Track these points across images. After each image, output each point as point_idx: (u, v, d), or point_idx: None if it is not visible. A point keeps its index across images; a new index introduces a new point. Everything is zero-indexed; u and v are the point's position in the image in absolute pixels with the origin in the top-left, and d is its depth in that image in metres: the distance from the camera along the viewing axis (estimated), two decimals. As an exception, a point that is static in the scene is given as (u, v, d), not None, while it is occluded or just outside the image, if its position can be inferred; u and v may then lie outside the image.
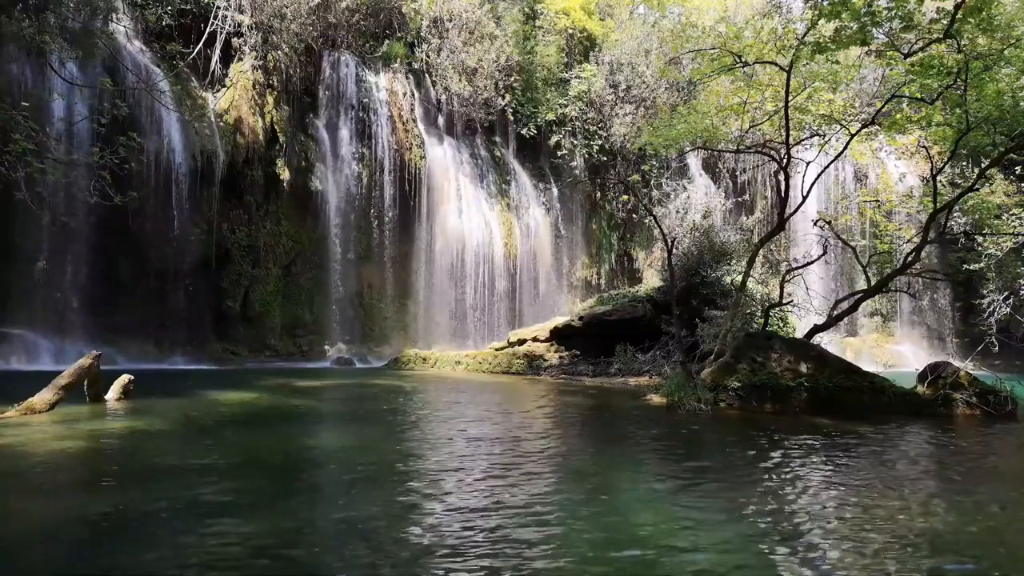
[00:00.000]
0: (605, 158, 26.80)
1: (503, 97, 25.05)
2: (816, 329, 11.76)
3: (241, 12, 19.99)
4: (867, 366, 13.64)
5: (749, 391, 9.67)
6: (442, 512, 4.19)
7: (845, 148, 13.06)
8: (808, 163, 12.98)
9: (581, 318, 17.97)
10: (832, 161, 13.68)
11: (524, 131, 25.86)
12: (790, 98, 11.46)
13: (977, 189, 13.68)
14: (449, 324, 23.08)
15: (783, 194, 12.94)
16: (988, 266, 18.82)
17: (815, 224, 14.15)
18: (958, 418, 9.18)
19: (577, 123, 26.29)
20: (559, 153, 26.42)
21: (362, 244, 22.26)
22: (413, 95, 23.85)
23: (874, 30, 10.46)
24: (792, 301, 13.66)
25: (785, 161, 12.26)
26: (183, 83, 19.09)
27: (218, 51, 19.83)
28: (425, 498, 4.56)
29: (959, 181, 20.68)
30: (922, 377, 10.27)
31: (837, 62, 11.52)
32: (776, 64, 11.86)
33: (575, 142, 26.31)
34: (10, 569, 3.21)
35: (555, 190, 26.68)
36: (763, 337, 11.03)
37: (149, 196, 16.96)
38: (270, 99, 20.76)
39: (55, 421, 7.18)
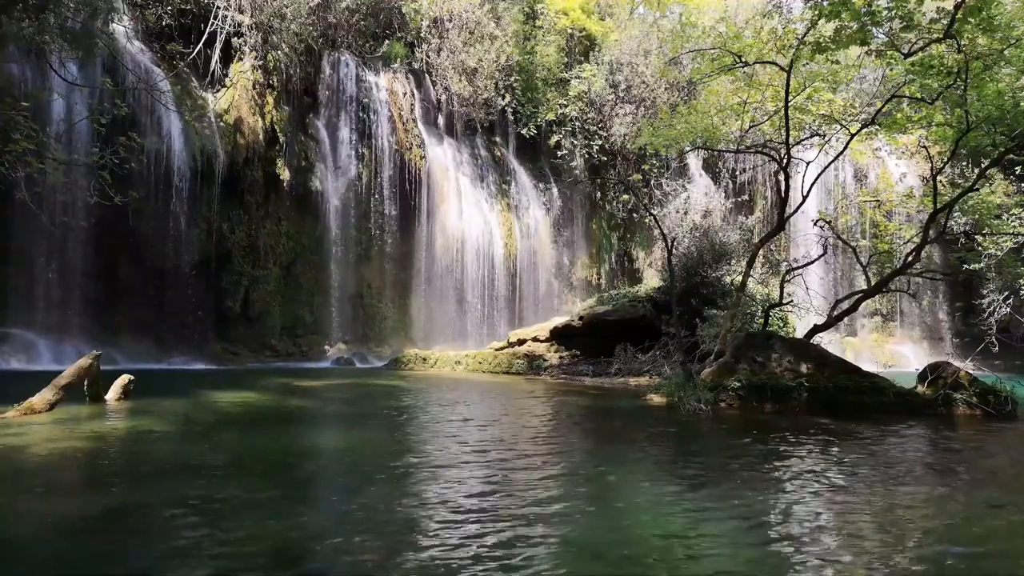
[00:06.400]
0: (605, 158, 26.80)
1: (503, 97, 25.05)
2: (816, 329, 11.77)
3: (241, 12, 19.98)
4: (867, 366, 13.64)
5: (749, 391, 9.67)
6: (443, 512, 4.18)
7: (845, 148, 13.07)
8: (808, 163, 12.98)
9: (581, 318, 17.98)
10: (832, 161, 13.69)
11: (524, 131, 25.86)
12: (790, 98, 11.47)
13: (977, 189, 13.67)
14: (449, 324, 23.08)
15: (783, 194, 12.94)
16: (988, 266, 18.80)
17: (815, 224, 14.16)
18: (958, 418, 9.18)
19: (577, 123, 26.29)
20: (559, 153, 26.42)
21: (362, 244, 22.25)
22: (413, 95, 23.85)
23: (874, 30, 10.46)
24: (792, 301, 13.66)
25: (785, 161, 12.27)
26: (183, 83, 19.09)
27: (218, 51, 19.82)
28: (425, 499, 4.55)
29: (959, 181, 20.69)
30: (922, 377, 10.28)
31: (837, 62, 11.52)
32: (776, 64, 11.87)
33: (575, 142, 26.31)
34: (10, 569, 3.21)
35: (555, 190, 26.68)
36: (763, 337, 11.04)
37: (149, 196, 16.97)
38: (270, 99, 20.76)
39: (55, 421, 7.17)
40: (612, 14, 29.02)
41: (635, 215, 27.10)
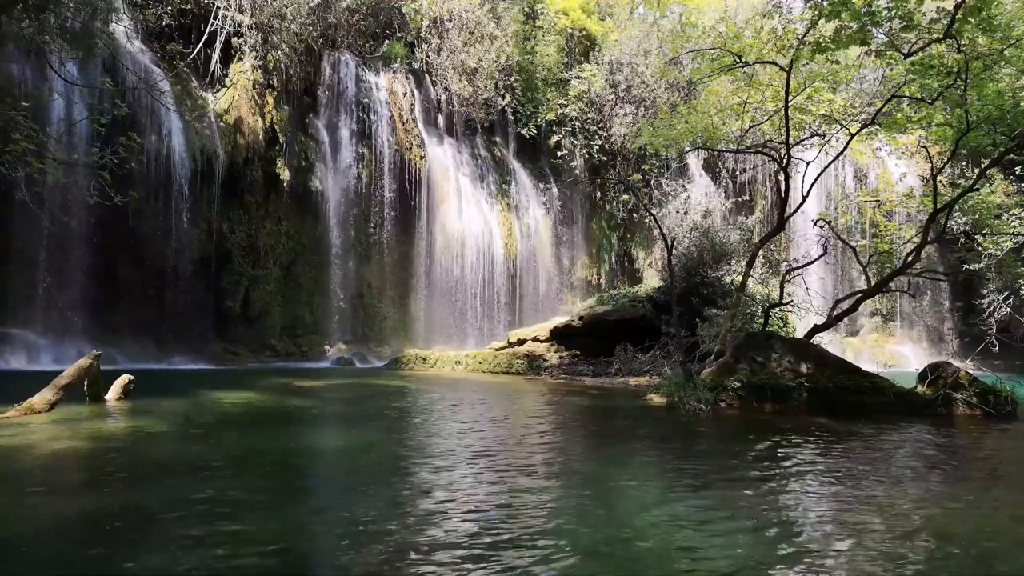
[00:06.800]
0: (605, 158, 26.80)
1: (503, 97, 25.05)
2: (816, 329, 11.77)
3: (241, 12, 19.98)
4: (867, 366, 13.65)
5: (749, 391, 9.67)
6: (443, 512, 4.19)
7: (845, 148, 13.07)
8: (808, 163, 12.99)
9: (581, 318, 17.97)
10: (832, 161, 13.69)
11: (524, 131, 25.85)
12: (790, 98, 11.47)
13: (977, 189, 13.68)
14: (449, 324, 23.08)
15: (783, 194, 12.94)
16: (988, 266, 18.80)
17: (815, 224, 14.16)
18: (958, 418, 9.18)
19: (577, 123, 26.28)
20: (559, 153, 26.42)
21: (362, 244, 22.25)
22: (413, 95, 23.84)
23: (874, 30, 10.46)
24: (792, 301, 13.66)
25: (785, 161, 12.27)
26: (183, 83, 19.09)
27: (218, 51, 19.82)
28: (426, 499, 4.55)
29: (959, 181, 20.69)
30: (922, 377, 10.28)
31: (837, 62, 11.52)
32: (776, 64, 11.87)
33: (575, 142, 26.31)
34: (10, 569, 3.21)
35: (555, 190, 26.67)
36: (763, 337, 11.04)
37: (149, 196, 16.97)
38: (270, 99, 20.76)
39: (55, 421, 7.17)
40: (612, 14, 29.01)
41: (635, 215, 27.10)
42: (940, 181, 13.12)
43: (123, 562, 3.28)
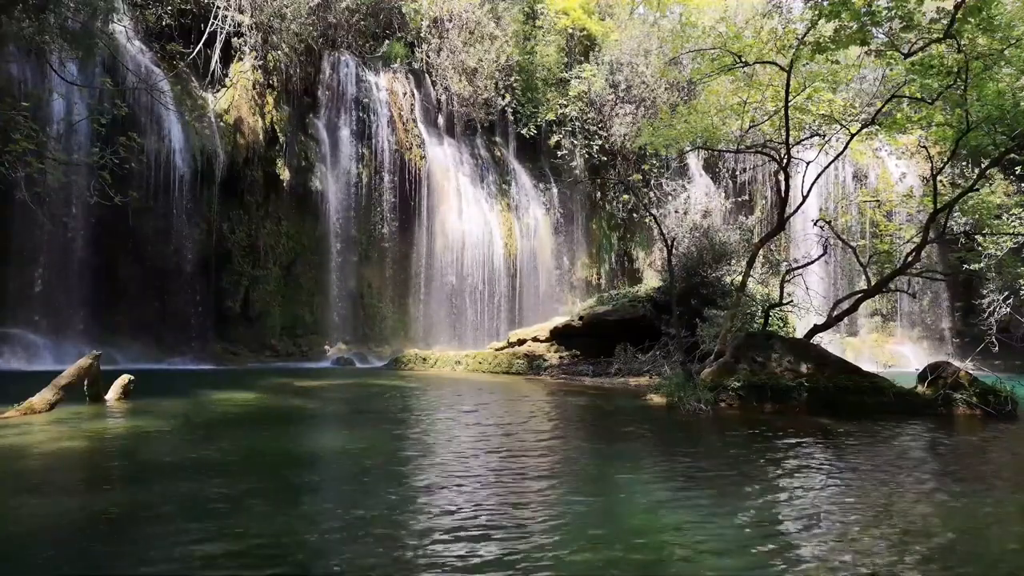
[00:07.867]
0: (605, 158, 26.80)
1: (503, 97, 25.05)
2: (816, 329, 11.76)
3: (241, 12, 19.98)
4: (867, 366, 13.64)
5: (749, 391, 9.67)
6: (442, 513, 4.19)
7: (845, 148, 13.07)
8: (808, 163, 12.98)
9: (581, 318, 17.97)
10: (832, 161, 13.69)
11: (524, 131, 25.85)
12: (790, 98, 11.47)
13: (977, 189, 13.67)
14: (449, 324, 23.09)
15: (783, 194, 12.94)
16: (988, 266, 18.81)
17: (815, 224, 14.15)
18: (958, 418, 9.18)
19: (577, 123, 26.29)
20: (559, 153, 26.42)
21: (362, 244, 22.26)
22: (413, 95, 23.85)
23: (874, 30, 10.46)
24: (792, 301, 13.66)
25: (785, 161, 12.27)
26: (183, 83, 19.09)
27: (218, 51, 19.82)
28: (425, 499, 4.55)
29: (959, 181, 20.69)
30: (922, 377, 10.27)
31: (837, 62, 11.52)
32: (776, 64, 11.87)
33: (575, 142, 26.31)
34: (10, 569, 3.21)
35: (555, 190, 26.67)
36: (763, 337, 11.04)
37: (149, 196, 16.99)
38: (270, 99, 20.76)
39: (55, 421, 7.17)
40: (612, 14, 29.02)
41: (635, 215, 27.09)
42: (940, 181, 13.12)
43: (123, 562, 3.28)
